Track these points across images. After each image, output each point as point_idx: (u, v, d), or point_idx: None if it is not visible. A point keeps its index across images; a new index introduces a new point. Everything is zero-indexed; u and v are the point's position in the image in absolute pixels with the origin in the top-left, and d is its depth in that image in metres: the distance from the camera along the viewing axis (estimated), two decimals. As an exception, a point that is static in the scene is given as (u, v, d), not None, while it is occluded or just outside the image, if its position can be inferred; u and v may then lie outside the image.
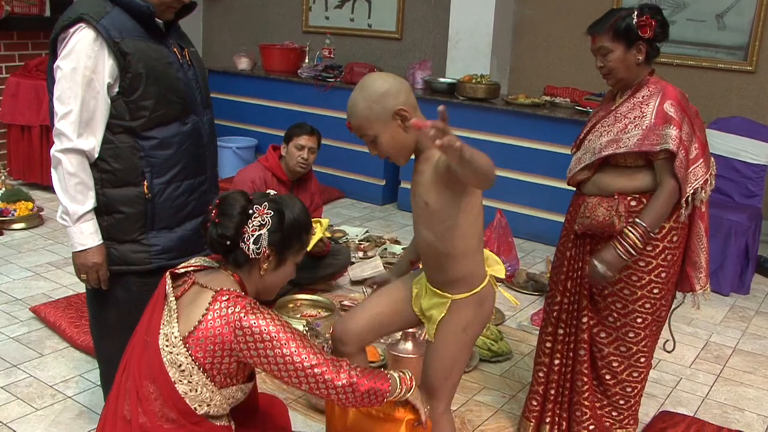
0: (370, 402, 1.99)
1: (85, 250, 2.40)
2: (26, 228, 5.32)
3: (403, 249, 5.09)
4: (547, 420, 2.95)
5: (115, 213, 2.44)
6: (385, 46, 7.15)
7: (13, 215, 5.31)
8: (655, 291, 2.71)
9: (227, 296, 1.88)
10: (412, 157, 2.26)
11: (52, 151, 2.34)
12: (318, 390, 1.91)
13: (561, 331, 2.91)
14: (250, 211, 1.97)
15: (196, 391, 1.90)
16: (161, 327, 1.92)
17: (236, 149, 6.91)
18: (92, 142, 2.35)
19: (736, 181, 5.20)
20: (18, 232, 5.24)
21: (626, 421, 2.89)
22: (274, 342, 1.85)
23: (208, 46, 8.34)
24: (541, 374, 2.97)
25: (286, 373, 1.88)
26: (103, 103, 2.34)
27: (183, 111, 2.48)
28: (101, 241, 2.42)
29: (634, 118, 2.63)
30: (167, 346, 1.89)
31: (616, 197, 2.67)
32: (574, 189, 2.87)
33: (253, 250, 1.96)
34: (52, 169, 2.37)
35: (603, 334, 2.81)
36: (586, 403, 2.86)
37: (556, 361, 2.92)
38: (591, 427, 2.87)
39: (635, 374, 2.83)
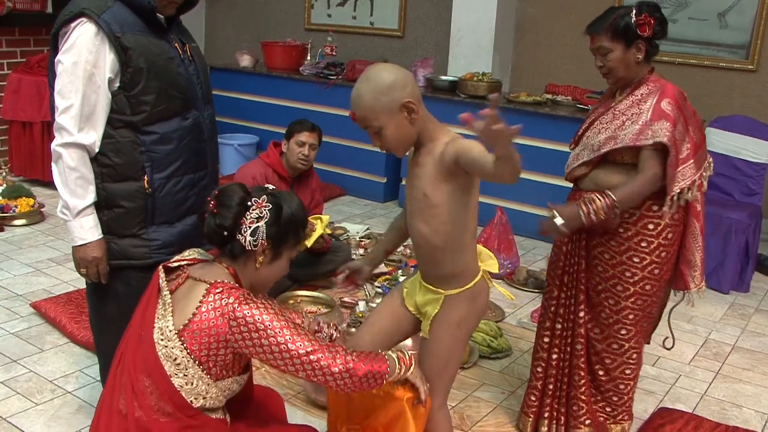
0: (370, 385, 1.98)
1: (85, 244, 2.40)
2: (27, 224, 5.33)
3: (404, 246, 5.10)
4: (546, 415, 2.96)
5: (115, 207, 2.44)
6: (387, 44, 7.16)
7: (14, 211, 5.32)
8: (647, 287, 2.72)
9: (221, 288, 1.89)
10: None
11: (53, 145, 2.34)
12: (315, 377, 1.91)
13: (558, 326, 2.93)
14: (249, 203, 1.98)
15: (192, 384, 1.90)
16: (156, 321, 1.92)
17: (238, 146, 6.92)
18: (93, 137, 2.36)
19: (737, 180, 5.21)
20: (19, 228, 5.25)
21: (620, 416, 2.90)
22: (269, 331, 1.86)
23: (211, 43, 8.35)
24: (539, 369, 2.98)
25: (282, 361, 1.89)
26: (104, 97, 2.34)
27: (184, 106, 2.48)
28: (101, 236, 2.42)
29: (632, 115, 2.63)
30: (162, 339, 1.89)
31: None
32: (572, 185, 2.88)
33: (249, 242, 1.96)
34: (53, 164, 2.38)
35: (597, 330, 2.83)
36: (582, 397, 2.87)
37: (554, 356, 2.93)
38: (587, 422, 2.89)
39: (627, 371, 2.84)
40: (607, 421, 2.91)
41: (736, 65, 5.70)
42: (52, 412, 3.04)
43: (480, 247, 2.34)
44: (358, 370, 1.93)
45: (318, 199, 4.49)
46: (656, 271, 2.71)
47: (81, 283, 4.09)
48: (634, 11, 2.59)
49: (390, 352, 2.09)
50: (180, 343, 1.87)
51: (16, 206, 5.35)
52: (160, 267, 2.04)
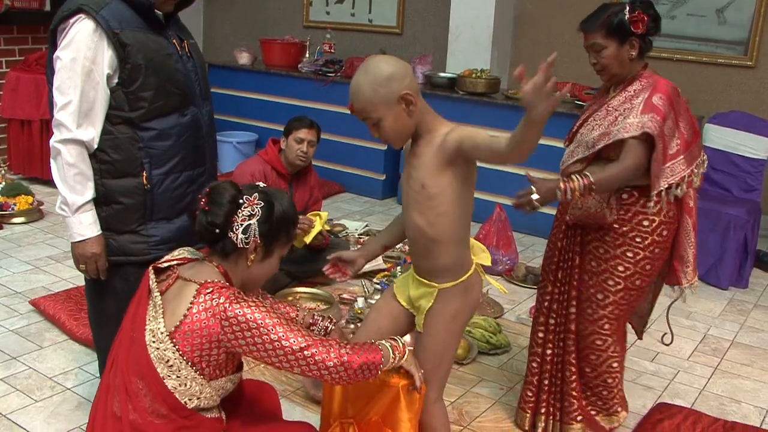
0: (365, 376, 1.98)
1: (83, 240, 2.40)
2: (26, 222, 5.33)
3: (403, 243, 5.09)
4: (542, 410, 2.97)
5: (114, 204, 2.44)
6: (386, 41, 7.15)
7: (13, 209, 5.32)
8: (638, 282, 2.73)
9: (211, 288, 1.87)
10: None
11: (52, 141, 2.34)
12: (310, 372, 1.90)
13: (552, 321, 2.94)
14: (241, 201, 1.96)
15: (186, 385, 1.89)
16: (147, 323, 1.91)
17: (236, 144, 6.91)
18: (91, 133, 2.36)
19: (735, 176, 5.21)
20: (18, 226, 5.25)
21: (612, 408, 2.92)
22: (261, 329, 1.85)
23: (209, 41, 8.35)
24: (534, 365, 2.99)
25: (276, 358, 1.88)
26: (103, 93, 2.35)
27: (182, 102, 2.48)
28: (100, 232, 2.43)
29: (624, 110, 2.63)
30: (154, 342, 1.88)
31: None
32: None
33: (241, 240, 1.95)
34: (52, 160, 2.38)
35: (580, 326, 2.85)
36: (573, 393, 2.89)
37: (548, 351, 2.95)
38: (579, 418, 2.89)
39: (615, 365, 2.87)
40: (599, 415, 2.92)
41: (735, 61, 5.70)
42: (52, 409, 3.04)
43: (472, 240, 2.34)
44: (353, 362, 1.93)
45: (317, 196, 4.49)
46: (648, 267, 2.72)
47: (80, 281, 4.09)
48: (627, 8, 2.59)
49: (383, 341, 2.08)
50: (172, 345, 1.86)
51: (14, 204, 5.35)
52: (150, 268, 2.03)
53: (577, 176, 2.53)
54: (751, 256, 4.88)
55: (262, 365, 3.36)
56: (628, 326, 3.02)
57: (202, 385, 1.92)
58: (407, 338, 3.13)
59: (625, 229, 2.70)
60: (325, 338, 1.95)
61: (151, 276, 2.00)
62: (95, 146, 2.38)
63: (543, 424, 2.97)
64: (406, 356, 2.12)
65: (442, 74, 6.18)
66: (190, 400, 1.91)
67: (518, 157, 1.98)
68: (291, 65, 6.93)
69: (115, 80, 2.36)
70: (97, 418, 1.97)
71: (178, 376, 1.88)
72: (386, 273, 4.48)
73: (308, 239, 4.06)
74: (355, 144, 6.47)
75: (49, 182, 6.04)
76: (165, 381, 1.87)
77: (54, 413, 3.02)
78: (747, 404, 3.41)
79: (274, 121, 6.73)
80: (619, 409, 2.93)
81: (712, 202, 4.92)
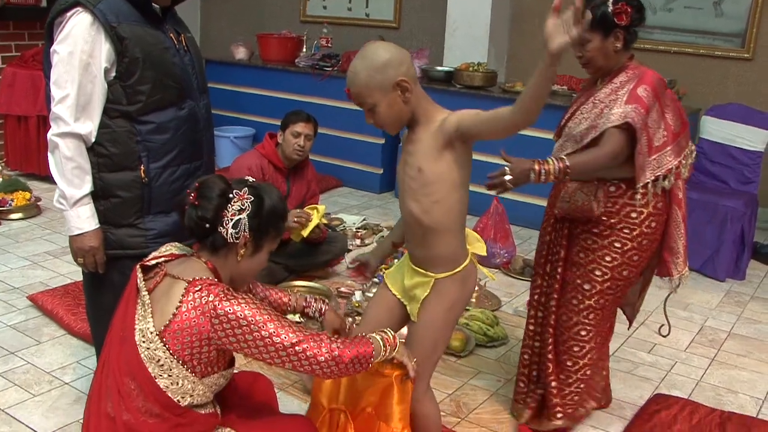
0: (356, 369, 1.98)
1: (82, 233, 2.40)
2: (24, 218, 5.33)
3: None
4: (532, 404, 2.96)
5: (111, 197, 2.44)
6: (383, 35, 7.14)
7: (10, 205, 5.32)
8: (624, 273, 2.73)
9: (200, 286, 1.85)
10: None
11: (49, 135, 2.34)
12: (302, 367, 1.89)
13: (540, 315, 2.94)
14: (230, 195, 1.94)
15: (178, 384, 1.88)
16: (136, 323, 1.89)
17: (234, 139, 6.92)
18: (89, 126, 2.36)
19: (733, 168, 5.22)
20: (15, 222, 5.25)
21: (585, 400, 2.92)
22: (252, 326, 1.83)
23: (206, 36, 8.34)
24: (525, 357, 3.00)
25: (267, 354, 1.87)
26: (100, 87, 2.35)
27: (179, 96, 2.48)
28: (98, 225, 2.43)
29: (609, 102, 2.61)
30: (144, 342, 1.86)
31: (595, 183, 2.68)
32: None
33: (231, 235, 1.93)
34: (49, 153, 2.37)
35: (564, 317, 2.83)
36: (553, 390, 2.87)
37: (537, 344, 2.95)
38: (558, 415, 2.88)
39: (595, 357, 2.87)
40: (578, 411, 2.91)
41: (732, 53, 5.71)
42: (50, 403, 3.05)
43: (467, 229, 2.34)
44: (344, 356, 1.92)
45: (314, 190, 4.49)
46: (635, 258, 2.71)
47: (78, 276, 4.09)
48: (610, 0, 2.57)
49: (374, 335, 2.07)
50: (162, 344, 1.85)
51: (12, 200, 5.35)
52: (137, 266, 2.01)
53: (553, 159, 2.51)
54: (748, 247, 4.89)
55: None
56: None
57: (194, 382, 1.90)
58: (403, 331, 3.15)
59: (613, 221, 2.68)
60: (316, 333, 1.94)
61: (139, 274, 1.98)
62: (93, 140, 2.38)
63: (528, 415, 2.96)
64: (397, 348, 2.12)
65: (439, 68, 6.19)
66: (183, 398, 1.90)
67: (527, 115, 1.97)
68: (288, 60, 6.93)
69: (113, 74, 2.36)
70: (91, 420, 1.96)
71: (169, 375, 1.87)
72: (384, 266, 4.48)
73: (305, 233, 4.06)
74: (353, 138, 6.47)
75: (47, 178, 6.04)
76: (157, 380, 1.86)
77: (52, 407, 3.02)
78: (743, 394, 3.42)
79: (272, 115, 6.72)
80: (588, 398, 2.93)
81: (710, 194, 4.93)
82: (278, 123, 4.27)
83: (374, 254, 2.60)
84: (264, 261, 2.08)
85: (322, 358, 1.89)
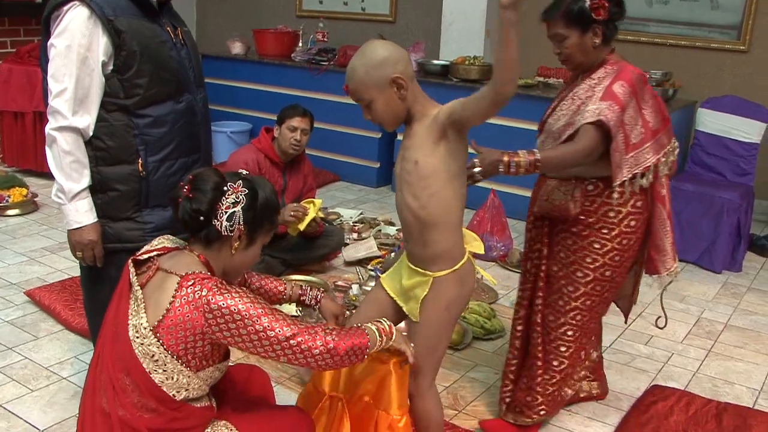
0: (351, 361, 1.97)
1: (80, 227, 2.41)
2: (21, 214, 5.32)
3: (397, 230, 5.11)
4: (507, 399, 2.95)
5: (109, 191, 2.45)
6: (379, 29, 7.12)
7: (7, 201, 5.32)
8: (607, 273, 2.69)
9: (192, 280, 1.84)
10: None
11: (47, 128, 2.34)
12: (297, 360, 1.89)
13: (523, 313, 2.92)
14: (225, 188, 1.94)
15: (173, 378, 1.87)
16: (129, 318, 1.88)
17: (230, 134, 6.91)
18: (87, 120, 2.36)
19: (728, 160, 5.22)
20: (12, 218, 5.25)
21: (562, 389, 2.90)
22: (246, 320, 1.82)
23: (202, 31, 8.33)
24: (511, 357, 2.97)
25: (262, 348, 1.86)
26: (98, 80, 2.35)
27: (177, 89, 2.49)
28: (96, 219, 2.43)
29: (586, 99, 2.56)
30: (137, 337, 1.85)
31: (573, 181, 2.65)
32: None
33: (226, 228, 1.93)
34: (47, 148, 2.38)
35: (551, 317, 2.80)
36: (539, 389, 2.85)
37: (524, 344, 2.92)
38: (542, 413, 2.87)
39: (583, 355, 2.85)
40: (557, 400, 2.89)
41: (728, 46, 5.72)
42: (48, 398, 3.05)
43: (464, 229, 2.34)
44: (339, 347, 1.91)
45: (310, 184, 4.49)
46: (617, 258, 2.67)
47: (75, 271, 4.10)
48: None
49: (369, 324, 2.07)
50: (156, 339, 1.84)
51: (9, 196, 5.35)
52: (130, 261, 2.00)
53: (524, 152, 2.47)
54: (745, 239, 4.90)
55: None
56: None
57: (189, 376, 1.89)
58: (401, 325, 3.16)
59: (591, 220, 2.65)
60: (311, 326, 1.93)
61: (131, 269, 1.97)
62: (91, 133, 2.38)
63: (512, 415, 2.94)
64: (393, 337, 2.11)
65: (435, 61, 6.19)
66: (178, 392, 1.89)
67: (504, 86, 1.96)
68: (284, 54, 6.93)
69: (110, 67, 2.36)
70: (86, 415, 1.96)
71: (164, 370, 1.86)
72: (381, 260, 4.49)
73: (302, 226, 4.06)
74: (350, 132, 6.48)
75: (43, 174, 6.05)
76: (151, 375, 1.85)
77: (50, 402, 3.02)
78: (740, 386, 3.43)
79: (268, 110, 6.72)
80: (566, 388, 2.91)
81: (706, 186, 4.94)
82: (275, 118, 4.27)
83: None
84: (257, 254, 2.08)
85: (317, 350, 1.88)
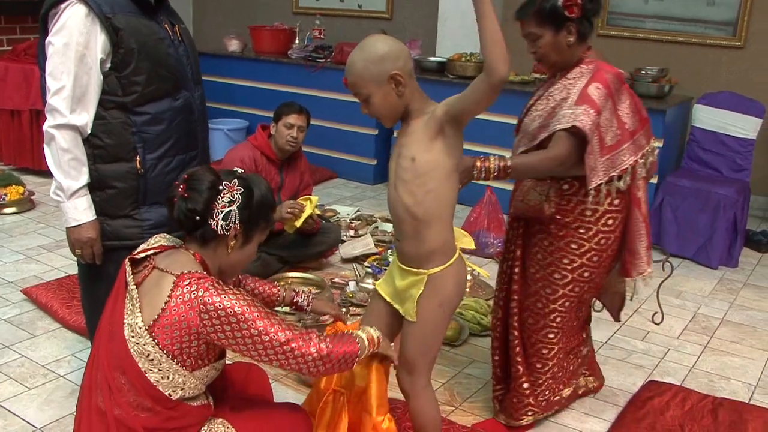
0: (342, 368, 2.00)
1: (79, 225, 2.41)
2: (17, 212, 5.32)
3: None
4: (500, 397, 2.96)
5: (107, 188, 2.45)
6: (375, 26, 7.13)
7: (4, 199, 5.32)
8: (586, 274, 2.66)
9: (188, 280, 1.84)
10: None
11: (45, 126, 2.34)
12: (289, 365, 1.89)
13: (501, 314, 2.91)
14: (220, 187, 1.93)
15: (168, 377, 1.87)
16: (125, 317, 1.88)
17: (227, 131, 6.91)
18: (85, 118, 2.36)
19: (725, 156, 5.24)
20: (9, 217, 5.25)
21: (557, 390, 2.90)
22: (241, 323, 1.82)
23: (199, 29, 8.32)
24: (497, 357, 2.96)
25: (255, 351, 1.86)
26: (96, 78, 2.35)
27: (174, 86, 2.49)
28: (95, 217, 2.44)
29: (561, 101, 2.52)
30: (133, 336, 1.85)
31: (548, 181, 2.62)
32: None
33: (222, 227, 1.92)
34: (45, 145, 2.38)
35: (531, 320, 2.79)
36: (525, 391, 2.84)
37: (503, 345, 2.92)
38: (530, 413, 2.87)
39: (562, 354, 2.83)
40: (550, 401, 2.90)
41: (723, 42, 5.72)
42: (45, 396, 3.05)
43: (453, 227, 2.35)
44: (332, 354, 1.93)
45: (307, 181, 4.49)
46: (595, 259, 2.64)
47: (72, 269, 4.10)
48: None
49: (359, 332, 2.10)
50: (151, 339, 1.83)
51: (6, 194, 5.34)
52: (127, 260, 2.00)
53: (495, 157, 2.45)
54: (741, 235, 4.91)
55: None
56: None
57: (185, 376, 1.89)
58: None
59: (567, 220, 2.62)
60: (306, 331, 1.94)
61: (128, 268, 1.96)
62: (89, 131, 2.38)
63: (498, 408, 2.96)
64: (381, 346, 2.16)
65: (431, 58, 6.19)
66: (174, 391, 1.89)
67: (495, 67, 1.99)
68: (281, 52, 6.92)
69: (108, 65, 2.36)
70: (82, 415, 1.96)
71: (159, 369, 1.86)
72: (377, 257, 4.50)
73: (299, 223, 4.07)
74: (346, 129, 6.48)
75: (40, 172, 6.04)
76: (147, 375, 1.85)
77: (47, 400, 3.03)
78: (736, 380, 3.44)
79: (265, 108, 6.71)
80: (562, 387, 2.92)
81: (702, 182, 4.95)
82: (271, 115, 4.27)
83: None
84: (253, 252, 2.08)
85: (311, 357, 1.90)
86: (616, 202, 2.61)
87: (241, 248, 2.02)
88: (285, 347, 1.86)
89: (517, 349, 2.83)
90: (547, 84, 2.69)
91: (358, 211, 5.66)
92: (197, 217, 1.92)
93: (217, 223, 1.92)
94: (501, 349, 2.94)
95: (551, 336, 2.77)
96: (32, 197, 5.52)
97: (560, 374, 2.90)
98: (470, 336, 3.71)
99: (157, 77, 2.42)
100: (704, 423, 3.00)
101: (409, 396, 2.38)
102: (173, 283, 1.85)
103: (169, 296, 1.84)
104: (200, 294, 1.82)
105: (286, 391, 3.13)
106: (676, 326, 3.96)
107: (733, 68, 5.73)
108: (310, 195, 4.37)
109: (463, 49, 6.03)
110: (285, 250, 4.32)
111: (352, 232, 5.07)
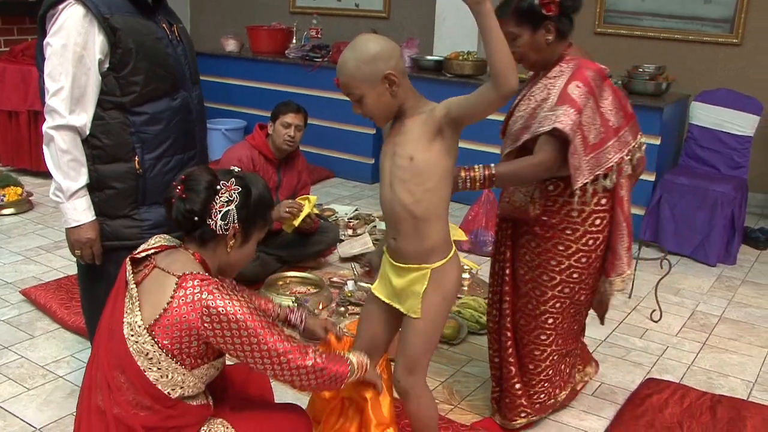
0: (331, 386, 2.04)
1: (78, 226, 2.42)
2: (16, 213, 5.32)
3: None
4: (496, 397, 2.96)
5: (106, 189, 2.45)
6: (372, 25, 7.12)
7: (2, 200, 5.31)
8: (575, 276, 2.65)
9: (191, 281, 1.84)
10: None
11: (44, 127, 2.35)
12: (283, 376, 1.91)
13: (495, 314, 2.91)
14: (218, 187, 1.94)
15: (168, 376, 1.87)
16: (124, 316, 1.88)
17: (225, 131, 6.91)
18: (84, 119, 2.36)
19: (722, 153, 5.24)
20: (7, 218, 5.24)
21: (553, 393, 2.90)
22: (242, 330, 1.83)
23: (196, 28, 8.31)
24: (496, 359, 2.96)
25: (252, 358, 1.87)
26: (94, 79, 2.35)
27: (172, 86, 2.49)
28: (94, 217, 2.44)
29: (541, 101, 2.49)
30: (132, 335, 1.85)
31: (533, 182, 2.60)
32: None
33: (220, 226, 1.93)
34: (44, 146, 2.38)
35: (522, 321, 2.78)
36: (518, 392, 2.84)
37: (497, 345, 2.92)
38: (523, 415, 2.87)
39: (556, 357, 2.83)
40: (546, 404, 2.89)
41: (720, 39, 5.72)
42: (44, 397, 3.05)
43: None
44: (325, 371, 1.96)
45: (305, 180, 4.49)
46: (583, 260, 2.62)
47: (70, 270, 4.10)
48: None
49: (351, 356, 2.13)
50: (150, 338, 1.84)
51: (4, 195, 5.34)
52: (127, 259, 2.00)
53: (479, 167, 2.43)
54: (739, 232, 4.92)
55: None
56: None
57: (184, 374, 1.90)
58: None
59: (554, 221, 2.60)
60: (303, 345, 1.95)
61: (128, 267, 1.97)
62: (87, 132, 2.39)
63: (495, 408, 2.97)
64: (368, 372, 2.20)
65: (429, 57, 6.19)
66: (173, 390, 1.90)
67: (503, 78, 1.95)
68: (278, 51, 6.92)
69: (106, 65, 2.37)
70: (82, 415, 1.96)
71: (159, 368, 1.86)
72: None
73: (297, 223, 4.07)
74: (344, 129, 6.48)
75: (39, 173, 6.04)
76: (146, 373, 1.85)
77: (46, 401, 3.03)
78: (734, 378, 3.45)
79: (263, 107, 6.70)
80: (558, 391, 2.92)
81: (700, 180, 4.96)
82: (269, 114, 4.27)
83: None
84: (253, 251, 2.08)
85: (304, 370, 1.92)
86: (603, 201, 2.59)
87: (240, 247, 2.03)
88: (282, 358, 1.88)
89: (510, 350, 2.83)
90: (530, 83, 2.66)
91: (356, 210, 5.66)
92: (195, 218, 1.92)
93: (216, 223, 1.93)
94: (498, 350, 2.95)
95: (543, 338, 2.77)
96: (30, 198, 5.52)
97: (556, 378, 2.89)
98: (469, 334, 3.72)
99: (156, 77, 2.42)
100: (703, 420, 3.01)
101: (409, 395, 2.37)
102: (176, 283, 1.85)
103: (171, 297, 1.84)
104: (204, 297, 1.82)
105: (286, 392, 3.13)
106: (674, 324, 3.97)
107: (730, 65, 5.73)
108: (308, 194, 4.37)
109: (461, 48, 6.04)
110: (283, 249, 4.32)
111: (350, 232, 5.07)
